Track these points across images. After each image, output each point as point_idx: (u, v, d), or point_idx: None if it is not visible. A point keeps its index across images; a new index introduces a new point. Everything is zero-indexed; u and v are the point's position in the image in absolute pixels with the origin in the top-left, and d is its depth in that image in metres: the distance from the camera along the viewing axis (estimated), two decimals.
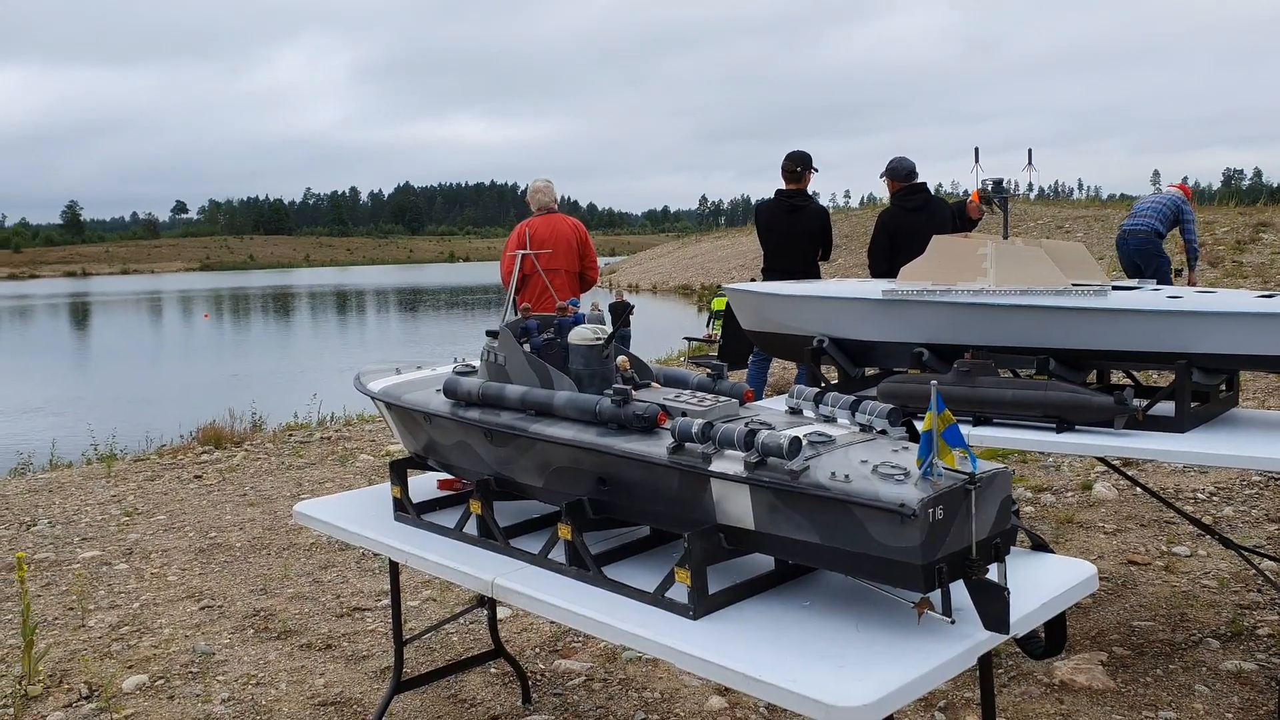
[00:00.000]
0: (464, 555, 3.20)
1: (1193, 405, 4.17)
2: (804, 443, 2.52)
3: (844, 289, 5.12)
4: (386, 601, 5.61)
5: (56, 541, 7.11)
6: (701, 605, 2.63)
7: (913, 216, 8.31)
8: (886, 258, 8.29)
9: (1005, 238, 4.77)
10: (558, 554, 3.02)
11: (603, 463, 2.88)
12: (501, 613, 5.19)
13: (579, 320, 3.43)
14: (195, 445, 11.05)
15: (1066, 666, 4.32)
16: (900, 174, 8.44)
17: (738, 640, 2.50)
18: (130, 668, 4.87)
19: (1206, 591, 5.13)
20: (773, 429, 2.60)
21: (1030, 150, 4.95)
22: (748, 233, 68.09)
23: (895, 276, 6.66)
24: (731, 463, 2.59)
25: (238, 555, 6.65)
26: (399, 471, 3.59)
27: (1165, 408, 4.21)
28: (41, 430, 14.37)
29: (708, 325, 24.97)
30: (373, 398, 3.73)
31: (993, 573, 2.45)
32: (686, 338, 11.22)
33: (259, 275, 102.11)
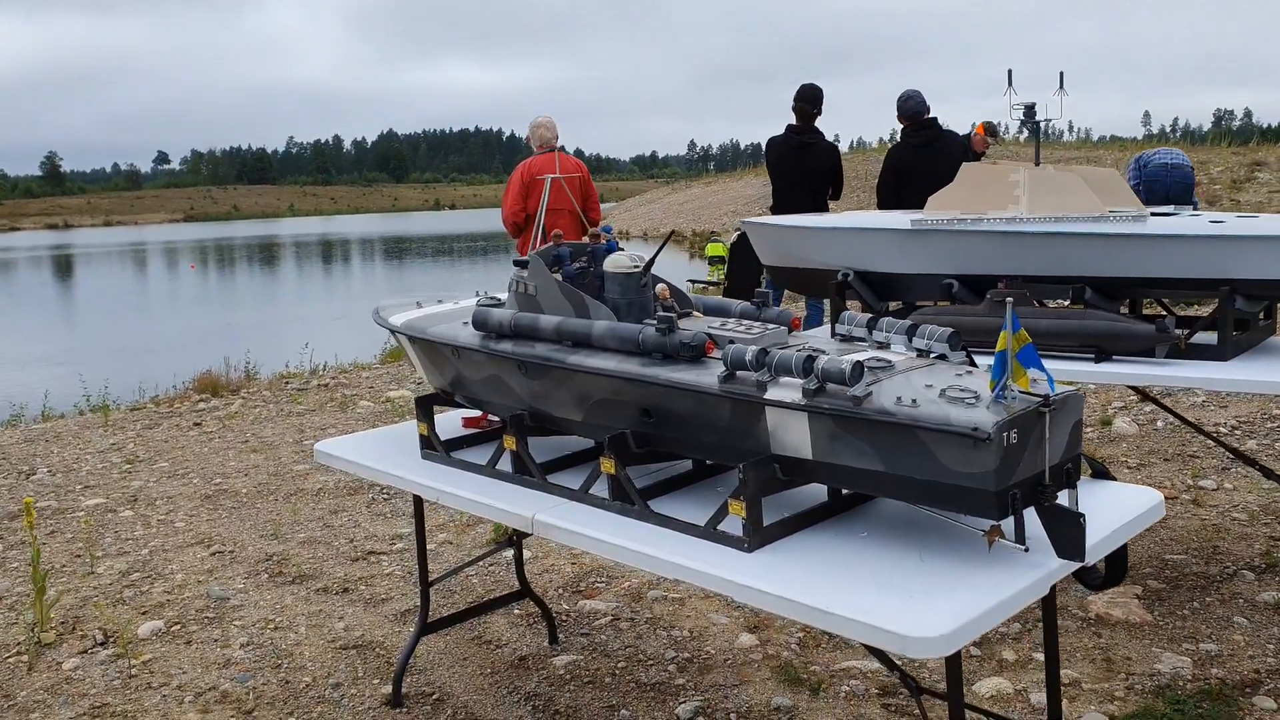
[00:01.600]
0: (499, 492, 3.10)
1: (1233, 334, 4.07)
2: (865, 368, 2.40)
3: (870, 219, 4.99)
4: (401, 545, 5.52)
5: (58, 490, 6.99)
6: (756, 537, 2.54)
7: (921, 153, 8.16)
8: (894, 196, 8.14)
9: (1037, 164, 4.64)
10: (599, 489, 2.91)
11: (648, 394, 2.76)
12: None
13: (613, 248, 3.29)
14: (192, 394, 10.90)
15: (1102, 600, 4.26)
16: (908, 111, 8.27)
17: (795, 572, 2.40)
18: (144, 614, 4.77)
19: (1237, 524, 5.07)
20: (829, 355, 2.49)
21: (1062, 74, 4.80)
22: (739, 178, 67.46)
23: None
24: (788, 390, 2.48)
25: (244, 501, 6.54)
26: (425, 407, 3.47)
27: (1205, 337, 4.12)
28: (32, 382, 14.17)
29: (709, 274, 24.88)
30: (394, 331, 3.60)
31: (1063, 499, 2.36)
32: (691, 280, 11.06)
33: (243, 225, 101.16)
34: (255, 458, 7.64)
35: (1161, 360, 3.99)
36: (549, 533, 2.86)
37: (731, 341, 2.77)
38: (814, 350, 2.59)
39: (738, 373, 2.56)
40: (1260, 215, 4.25)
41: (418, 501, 3.76)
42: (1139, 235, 4.15)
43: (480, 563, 5.13)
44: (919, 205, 7.94)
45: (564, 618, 4.51)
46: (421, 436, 3.47)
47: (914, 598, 2.23)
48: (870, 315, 2.81)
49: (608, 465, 2.85)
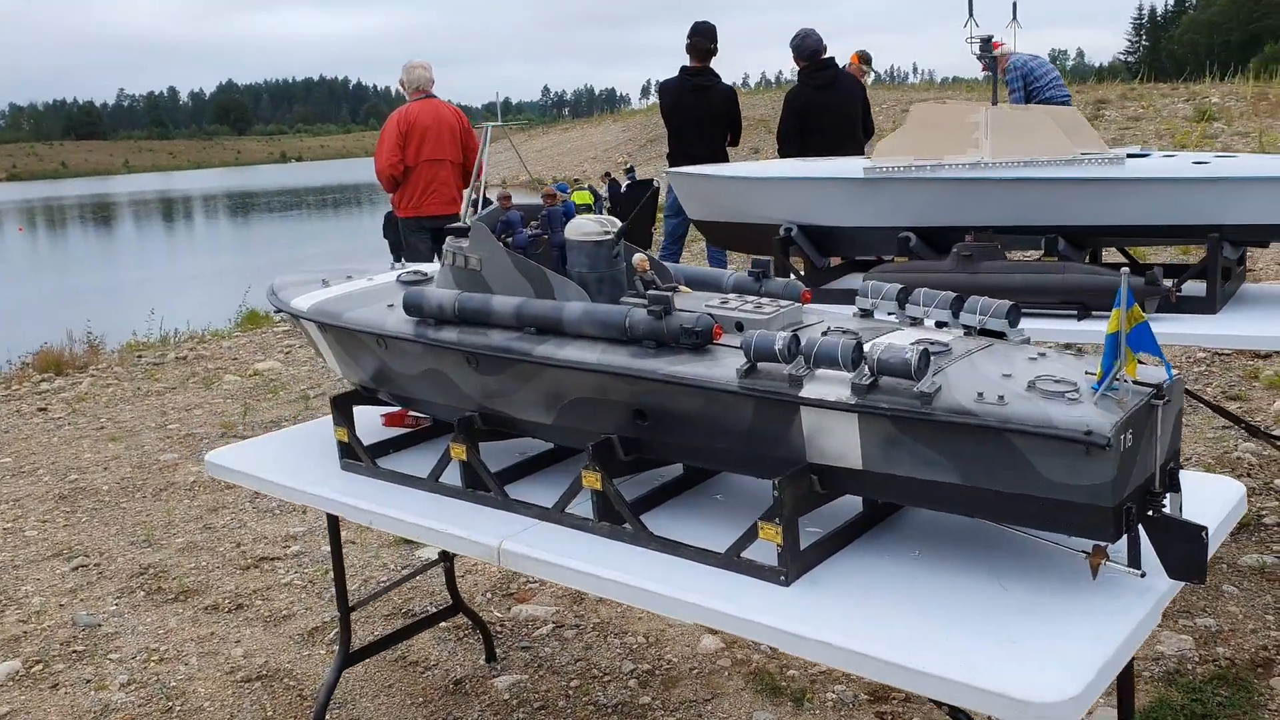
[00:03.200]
0: (449, 512, 2.55)
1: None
2: (931, 357, 1.95)
3: (817, 169, 4.54)
4: (297, 548, 4.90)
5: None
6: (795, 567, 2.07)
7: (822, 95, 7.77)
8: (797, 140, 7.74)
9: (994, 104, 4.25)
10: (579, 506, 2.40)
11: (641, 391, 2.26)
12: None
13: (570, 210, 2.75)
14: (31, 373, 9.86)
15: None
16: (805, 51, 7.85)
17: (851, 611, 1.95)
18: None
19: None
20: (884, 341, 2.02)
21: (1015, 4, 4.42)
22: (597, 124, 66.62)
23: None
24: (829, 386, 2.01)
25: (107, 501, 5.78)
26: (343, 409, 2.88)
27: (1190, 288, 3.82)
28: None
29: None
30: (299, 318, 2.99)
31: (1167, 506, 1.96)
32: None
33: (74, 184, 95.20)
34: (114, 447, 6.83)
35: (1151, 315, 3.67)
36: (522, 565, 2.34)
37: (739, 324, 2.28)
38: (852, 333, 2.13)
39: (761, 364, 2.08)
40: (1240, 155, 3.96)
41: (332, 517, 3.18)
42: (1118, 179, 3.81)
43: (390, 567, 4.56)
44: (824, 149, 7.57)
45: (498, 628, 3.99)
46: (341, 444, 2.89)
47: (1017, 644, 1.80)
48: (900, 286, 2.35)
49: (591, 479, 2.34)
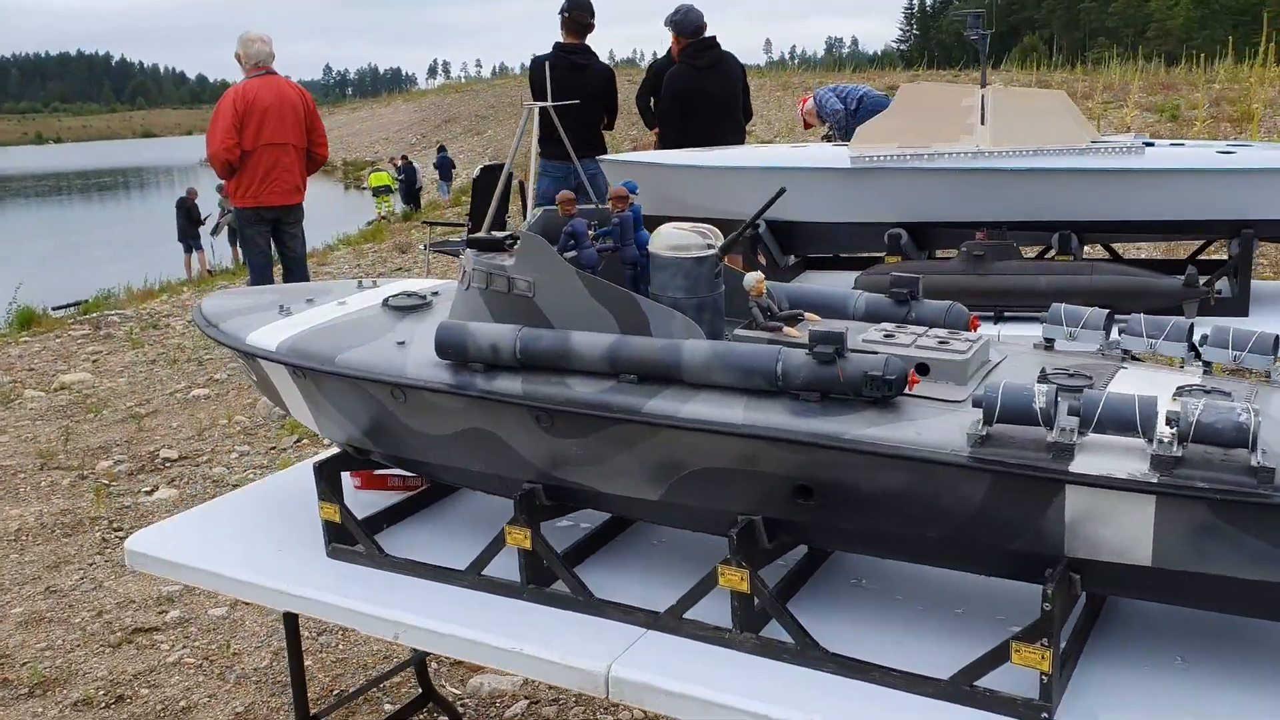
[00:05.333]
0: (512, 622, 1.92)
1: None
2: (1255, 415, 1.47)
3: (792, 157, 4.05)
4: (176, 613, 4.05)
5: None
6: (1059, 695, 1.56)
7: (705, 76, 7.29)
8: (677, 124, 7.24)
9: (984, 85, 3.86)
10: (706, 611, 1.82)
11: (811, 462, 1.69)
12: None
13: (637, 214, 2.15)
14: None
15: None
16: (687, 28, 7.34)
17: None
18: None
19: None
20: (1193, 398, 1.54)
21: None
22: (387, 104, 64.44)
23: (686, 145, 5.62)
24: (1111, 457, 1.51)
25: None
26: (331, 479, 2.19)
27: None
28: None
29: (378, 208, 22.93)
30: (261, 359, 2.27)
31: None
32: (427, 222, 9.49)
33: None
34: None
35: (1192, 319, 3.35)
36: (646, 699, 1.74)
37: (923, 368, 1.74)
38: (1087, 379, 1.64)
39: (997, 428, 1.56)
40: (1262, 144, 3.71)
41: (291, 615, 2.46)
42: (1141, 170, 3.48)
43: (315, 637, 3.81)
44: (705, 135, 7.10)
45: (459, 705, 3.33)
46: (330, 524, 2.19)
47: None
48: (1107, 312, 1.88)
49: (733, 577, 1.76)
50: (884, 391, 1.66)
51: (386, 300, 2.33)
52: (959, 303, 2.00)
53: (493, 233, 2.19)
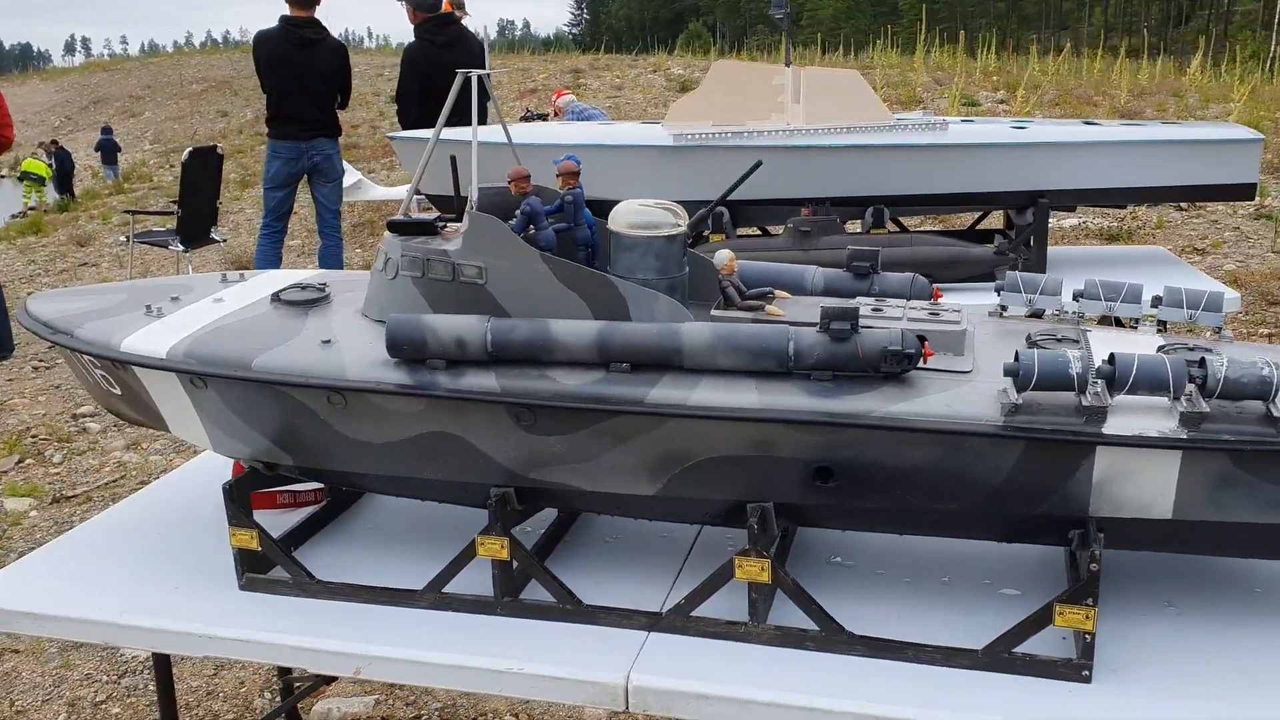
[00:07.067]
0: (501, 641, 1.76)
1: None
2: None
3: (610, 135, 3.96)
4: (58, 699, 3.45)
5: None
6: (1089, 655, 1.60)
7: (446, 53, 7.07)
8: (418, 102, 6.99)
9: (788, 65, 3.95)
10: (715, 607, 1.74)
11: (832, 443, 1.65)
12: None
13: (578, 197, 2.01)
14: None
15: None
16: (424, 3, 7.09)
17: (1192, 706, 1.54)
18: None
19: None
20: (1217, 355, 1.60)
21: None
22: (20, 83, 58.16)
23: (429, 124, 5.51)
24: (1141, 417, 1.56)
25: None
26: (243, 501, 1.91)
27: None
28: None
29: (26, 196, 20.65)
30: (125, 366, 1.94)
31: None
32: (130, 211, 8.43)
33: None
34: None
35: (990, 285, 3.58)
36: (680, 706, 1.64)
37: (921, 336, 1.73)
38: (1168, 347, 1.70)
39: (1030, 395, 1.57)
40: (1061, 121, 4.00)
41: (162, 662, 2.14)
42: (947, 146, 3.67)
43: (94, 678, 3.35)
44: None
45: None
46: (243, 553, 1.91)
47: None
48: (1060, 278, 1.95)
49: (752, 568, 1.68)
50: (904, 366, 1.63)
51: (278, 295, 2.06)
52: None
53: (410, 214, 1.99)
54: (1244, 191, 3.71)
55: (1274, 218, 7.88)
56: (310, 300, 2.04)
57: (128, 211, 8.91)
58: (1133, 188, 3.68)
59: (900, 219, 4.36)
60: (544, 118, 12.05)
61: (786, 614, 1.72)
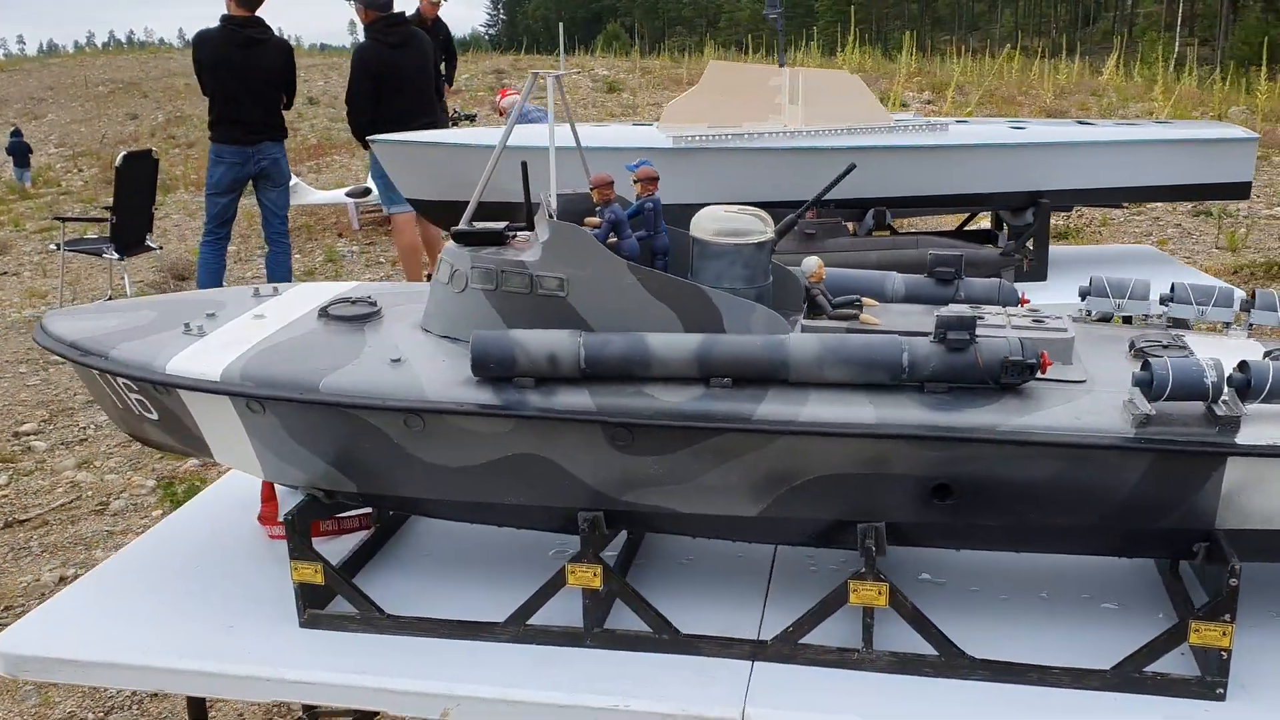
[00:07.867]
0: (599, 675, 1.66)
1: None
2: None
3: (607, 137, 3.86)
4: None
5: None
6: (1224, 672, 1.56)
7: (399, 54, 6.91)
8: (371, 103, 6.81)
9: (781, 65, 3.89)
10: (825, 634, 1.66)
11: (951, 458, 1.58)
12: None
13: (657, 203, 1.91)
14: None
15: None
16: (375, 2, 6.91)
17: None
18: None
19: None
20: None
21: None
22: None
23: (384, 127, 5.43)
24: (1266, 426, 1.52)
25: None
26: (305, 532, 1.78)
27: None
28: None
29: None
30: (170, 389, 1.80)
31: None
32: (59, 218, 7.99)
33: None
34: None
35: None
36: None
37: (1023, 343, 1.67)
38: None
39: (1161, 405, 1.52)
40: (1058, 121, 4.01)
41: (197, 705, 2.00)
42: (948, 147, 3.65)
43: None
44: (402, 117, 6.75)
45: None
46: (304, 588, 1.78)
47: None
48: (1147, 280, 1.91)
49: (868, 593, 1.61)
50: (1024, 377, 1.57)
51: (326, 310, 1.93)
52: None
53: (474, 224, 1.88)
54: (1240, 190, 3.75)
55: (1213, 214, 8.07)
56: (363, 315, 1.92)
57: (58, 218, 8.54)
58: (1131, 187, 3.70)
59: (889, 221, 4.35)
60: (472, 119, 11.87)
61: (896, 638, 1.65)
